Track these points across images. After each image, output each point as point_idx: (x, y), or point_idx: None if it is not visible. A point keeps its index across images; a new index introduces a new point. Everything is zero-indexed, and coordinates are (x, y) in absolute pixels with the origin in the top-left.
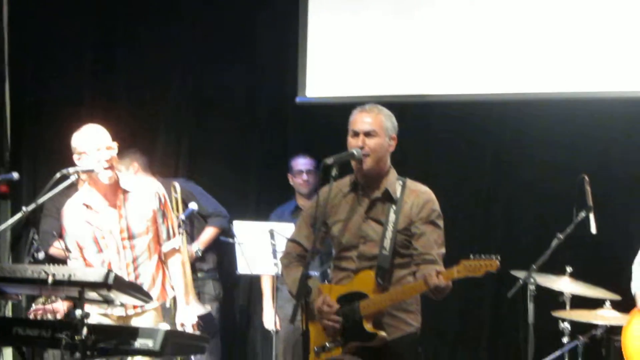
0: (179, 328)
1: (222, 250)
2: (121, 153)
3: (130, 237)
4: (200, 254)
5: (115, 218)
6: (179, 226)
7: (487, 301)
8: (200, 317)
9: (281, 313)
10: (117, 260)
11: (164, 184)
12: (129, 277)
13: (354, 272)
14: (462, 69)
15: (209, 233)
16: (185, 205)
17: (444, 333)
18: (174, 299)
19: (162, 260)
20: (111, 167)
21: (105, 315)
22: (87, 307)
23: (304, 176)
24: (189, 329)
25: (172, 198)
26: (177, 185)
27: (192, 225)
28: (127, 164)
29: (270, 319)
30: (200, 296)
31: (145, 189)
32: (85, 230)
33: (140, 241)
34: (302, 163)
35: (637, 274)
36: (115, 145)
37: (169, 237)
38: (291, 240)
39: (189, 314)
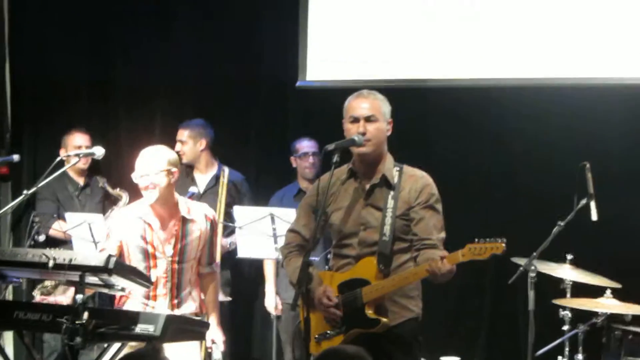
0: (209, 344)
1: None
2: (190, 126)
3: (181, 261)
4: (234, 247)
5: (172, 242)
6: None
7: (487, 288)
8: None
9: (282, 298)
10: (162, 280)
11: (218, 168)
12: (172, 293)
13: (355, 259)
14: (462, 54)
15: None
16: (236, 192)
17: (442, 320)
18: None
19: (199, 276)
20: (148, 188)
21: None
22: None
23: (310, 159)
24: (220, 347)
25: (222, 183)
26: (226, 170)
27: None
28: (196, 139)
29: (271, 302)
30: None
31: (201, 216)
32: (137, 242)
33: (188, 264)
34: (307, 145)
35: None
36: (158, 169)
37: (210, 262)
38: (290, 230)
39: (220, 334)
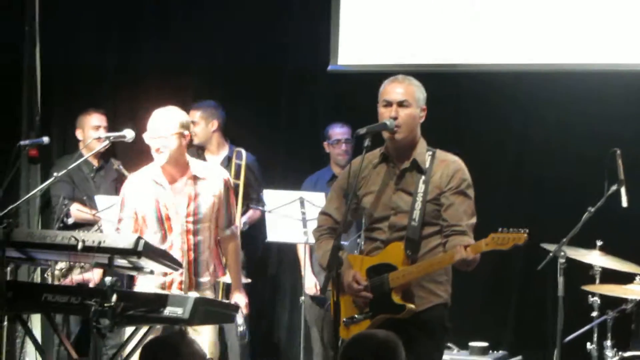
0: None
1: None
2: (202, 108)
3: (196, 222)
4: (247, 227)
5: (184, 201)
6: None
7: (516, 274)
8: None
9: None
10: (179, 243)
11: (229, 149)
12: (189, 258)
13: (384, 243)
14: (493, 39)
15: (256, 216)
16: (250, 173)
17: (471, 306)
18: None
19: (218, 244)
20: (159, 150)
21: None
22: (143, 281)
23: (343, 146)
24: (243, 310)
25: (234, 164)
26: (243, 152)
27: None
28: (207, 120)
29: (310, 285)
30: None
31: (214, 175)
32: (151, 206)
33: (203, 226)
34: (340, 132)
35: None
36: (170, 131)
37: (228, 224)
38: (322, 213)
39: (242, 297)
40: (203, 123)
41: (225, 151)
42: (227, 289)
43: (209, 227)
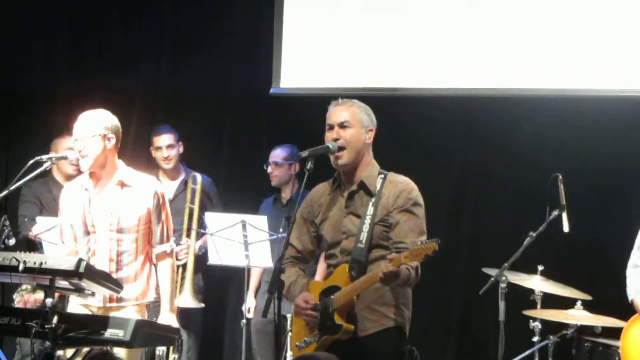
0: None
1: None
2: (172, 131)
3: (119, 231)
4: (202, 251)
5: (108, 209)
6: (188, 228)
7: (457, 299)
8: (187, 312)
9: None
10: (101, 251)
11: (186, 173)
12: (110, 269)
13: (335, 267)
14: (435, 63)
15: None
16: (207, 200)
17: (411, 330)
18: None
19: (151, 260)
20: (81, 154)
21: (85, 306)
22: (70, 298)
23: (269, 168)
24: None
25: (190, 189)
26: (198, 176)
27: None
28: (177, 144)
29: (246, 306)
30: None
31: (143, 186)
32: (79, 212)
33: (128, 237)
34: (272, 155)
35: (632, 280)
36: (91, 133)
37: (161, 241)
38: (287, 243)
39: (172, 319)
40: (177, 147)
41: (181, 175)
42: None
43: (136, 239)
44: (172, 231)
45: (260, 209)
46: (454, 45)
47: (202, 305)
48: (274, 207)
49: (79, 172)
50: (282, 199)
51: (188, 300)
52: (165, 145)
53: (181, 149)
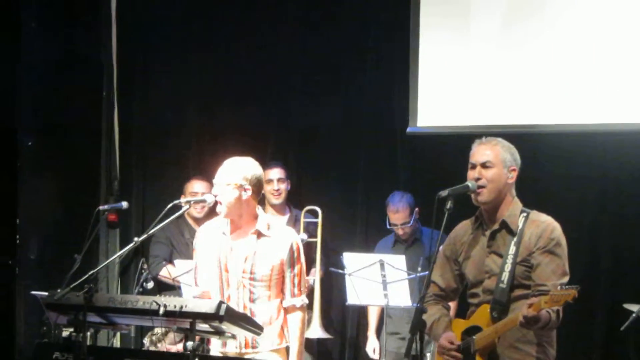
0: None
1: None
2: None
3: (252, 278)
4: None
5: (242, 255)
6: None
7: (597, 335)
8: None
9: (387, 345)
10: (234, 296)
11: (292, 213)
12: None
13: (477, 307)
14: (570, 99)
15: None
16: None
17: None
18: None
19: (284, 311)
20: (220, 203)
21: (222, 353)
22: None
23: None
24: None
25: (302, 222)
26: (319, 210)
27: None
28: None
29: (370, 346)
30: None
31: (281, 237)
32: (214, 255)
33: (261, 284)
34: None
35: None
36: (226, 181)
37: (292, 294)
38: (429, 281)
39: None
40: (287, 182)
41: (288, 215)
42: None
43: (269, 287)
44: (305, 285)
45: (376, 248)
46: (588, 81)
47: (331, 336)
48: (395, 248)
49: (208, 215)
50: (402, 239)
51: (317, 331)
52: (277, 178)
53: (289, 187)
